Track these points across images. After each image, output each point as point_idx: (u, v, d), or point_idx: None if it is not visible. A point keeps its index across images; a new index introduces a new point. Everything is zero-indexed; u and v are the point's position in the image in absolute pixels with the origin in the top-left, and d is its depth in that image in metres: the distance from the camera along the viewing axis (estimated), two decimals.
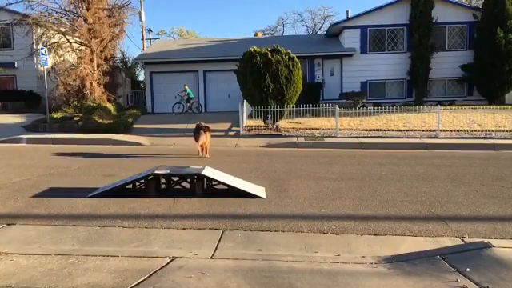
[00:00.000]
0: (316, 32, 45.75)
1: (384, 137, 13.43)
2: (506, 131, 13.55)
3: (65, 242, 4.13)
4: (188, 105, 19.75)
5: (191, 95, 19.80)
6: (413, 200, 5.86)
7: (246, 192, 5.86)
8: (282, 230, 4.53)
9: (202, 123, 10.52)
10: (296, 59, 14.45)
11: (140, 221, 4.80)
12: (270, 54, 14.10)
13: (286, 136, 13.76)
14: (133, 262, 3.57)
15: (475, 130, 13.77)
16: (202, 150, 10.45)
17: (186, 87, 19.71)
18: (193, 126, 10.78)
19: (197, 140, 10.21)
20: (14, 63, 22.08)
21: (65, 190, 6.39)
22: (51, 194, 6.05)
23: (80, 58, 20.31)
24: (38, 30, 20.30)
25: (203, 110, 21.15)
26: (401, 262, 3.64)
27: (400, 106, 15.56)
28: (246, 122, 15.37)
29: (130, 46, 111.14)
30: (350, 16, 24.13)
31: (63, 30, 19.93)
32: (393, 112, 15.84)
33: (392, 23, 21.56)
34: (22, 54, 20.31)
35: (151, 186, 5.92)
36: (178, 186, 6.17)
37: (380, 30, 21.71)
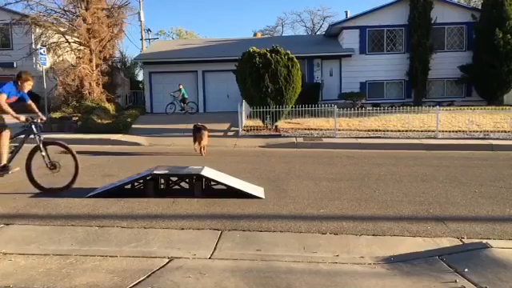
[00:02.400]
0: (315, 32, 45.79)
1: (383, 137, 13.45)
2: (505, 132, 13.57)
3: (63, 242, 4.13)
4: (183, 105, 19.65)
5: (186, 95, 19.70)
6: (411, 200, 5.86)
7: (244, 192, 5.86)
8: (280, 231, 4.53)
9: (199, 123, 10.72)
10: (295, 59, 14.47)
11: (139, 221, 4.79)
12: (269, 54, 14.12)
13: (284, 136, 13.77)
14: (131, 262, 3.57)
15: (474, 131, 13.79)
16: (200, 149, 10.60)
17: (181, 87, 19.59)
18: (192, 126, 10.95)
19: (197, 140, 10.53)
20: (12, 63, 22.04)
21: None
22: (50, 194, 6.04)
23: (79, 57, 20.32)
24: (37, 30, 20.29)
25: (202, 111, 21.15)
26: (399, 263, 3.65)
27: (399, 106, 15.58)
28: (245, 122, 15.38)
29: (129, 46, 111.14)
30: (349, 16, 24.17)
31: (62, 29, 19.93)
32: (392, 112, 15.85)
33: (391, 24, 21.59)
34: (20, 54, 20.30)
35: (150, 187, 5.92)
36: (176, 187, 6.17)
37: (379, 31, 21.74)
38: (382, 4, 21.86)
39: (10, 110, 6.02)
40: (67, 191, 6.08)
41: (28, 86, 6.27)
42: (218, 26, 73.81)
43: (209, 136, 10.87)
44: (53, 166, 6.18)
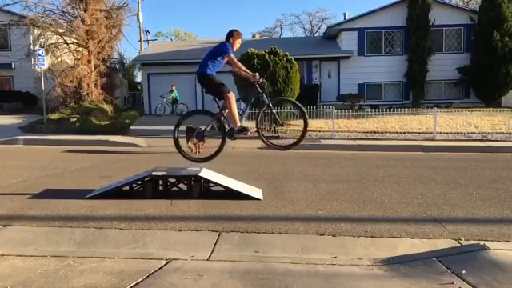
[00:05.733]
0: (313, 34, 45.84)
1: (381, 139, 13.47)
2: (503, 133, 13.60)
3: (61, 244, 4.12)
4: (174, 106, 19.53)
5: (177, 97, 19.57)
6: (409, 202, 5.87)
7: (243, 194, 5.86)
8: (278, 232, 4.53)
9: (192, 126, 11.02)
10: (293, 61, 14.49)
11: (137, 222, 4.79)
12: (267, 55, 14.14)
13: (283, 138, 13.76)
14: (129, 263, 3.56)
15: (472, 133, 13.82)
16: (195, 148, 10.92)
17: (173, 88, 19.42)
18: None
19: (192, 140, 10.81)
20: (11, 64, 22.02)
21: (61, 191, 6.37)
22: (48, 196, 6.03)
23: (77, 59, 20.30)
24: (36, 31, 20.27)
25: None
26: (397, 264, 3.65)
27: (397, 108, 15.61)
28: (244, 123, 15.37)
29: (128, 48, 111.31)
30: (347, 18, 24.24)
31: (60, 31, 19.91)
32: (390, 114, 15.87)
33: (389, 26, 21.66)
34: (19, 55, 20.25)
35: (148, 188, 5.91)
36: (175, 188, 6.16)
37: (377, 33, 21.80)
38: (380, 6, 21.96)
39: (243, 67, 5.81)
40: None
41: (238, 45, 5.85)
42: (217, 27, 73.94)
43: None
44: (278, 124, 6.13)
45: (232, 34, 5.79)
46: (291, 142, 6.07)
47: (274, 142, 6.20)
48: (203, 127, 6.14)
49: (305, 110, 5.96)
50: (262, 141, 6.10)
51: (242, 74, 6.02)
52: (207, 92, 5.99)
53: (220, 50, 5.71)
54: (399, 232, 4.58)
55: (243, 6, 74.17)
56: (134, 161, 10.08)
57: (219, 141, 6.06)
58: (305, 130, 5.93)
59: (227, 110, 5.87)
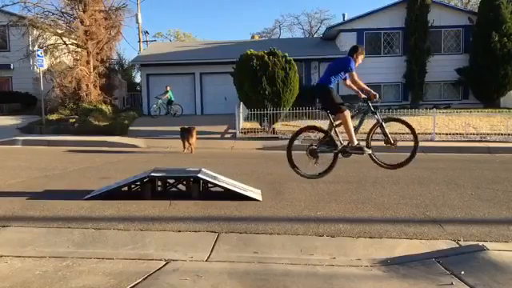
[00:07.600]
0: (313, 35, 45.82)
1: (380, 140, 13.44)
2: (501, 134, 13.62)
3: (60, 245, 4.11)
4: (169, 107, 19.52)
5: (172, 98, 19.54)
6: (408, 203, 5.87)
7: (242, 194, 5.85)
8: (277, 233, 4.52)
9: (186, 126, 11.88)
10: (292, 62, 14.50)
11: (135, 223, 4.78)
12: (266, 56, 14.15)
13: (282, 139, 13.77)
14: (128, 264, 3.56)
15: (471, 134, 13.83)
16: (190, 146, 11.57)
17: (168, 89, 19.37)
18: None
19: (187, 140, 11.52)
20: (9, 65, 21.99)
21: (60, 192, 6.36)
22: (46, 196, 6.02)
23: (76, 59, 20.31)
24: (35, 32, 20.28)
25: (199, 113, 21.11)
26: (396, 265, 3.65)
27: (396, 109, 15.61)
28: (243, 124, 15.38)
29: (127, 48, 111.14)
30: (346, 19, 24.24)
31: (59, 31, 19.92)
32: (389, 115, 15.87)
33: (388, 27, 21.67)
34: (18, 56, 20.25)
35: (147, 189, 5.91)
36: (173, 189, 6.16)
37: (376, 34, 21.81)
38: (379, 7, 21.97)
39: (362, 83, 5.76)
40: (65, 194, 6.06)
41: (360, 60, 5.81)
42: (216, 28, 73.85)
43: (196, 137, 11.79)
44: (389, 143, 6.00)
45: (356, 50, 5.80)
46: (401, 160, 6.01)
47: (387, 162, 6.09)
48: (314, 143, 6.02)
49: (415, 130, 6.05)
50: (374, 161, 6.00)
51: (355, 90, 5.95)
52: (322, 104, 6.01)
53: (345, 65, 5.71)
54: (398, 233, 4.59)
55: (242, 7, 74.19)
56: (133, 161, 10.07)
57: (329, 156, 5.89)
58: (415, 147, 6.04)
59: (341, 127, 5.90)
